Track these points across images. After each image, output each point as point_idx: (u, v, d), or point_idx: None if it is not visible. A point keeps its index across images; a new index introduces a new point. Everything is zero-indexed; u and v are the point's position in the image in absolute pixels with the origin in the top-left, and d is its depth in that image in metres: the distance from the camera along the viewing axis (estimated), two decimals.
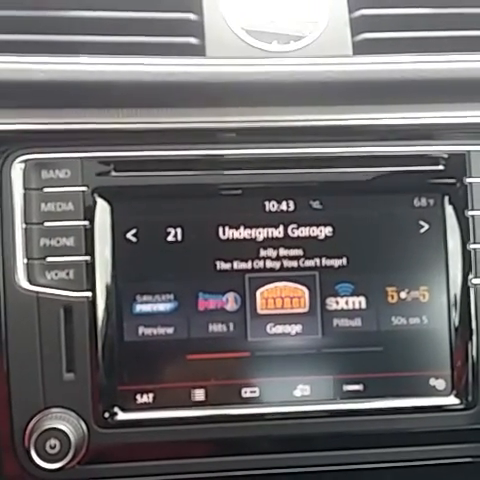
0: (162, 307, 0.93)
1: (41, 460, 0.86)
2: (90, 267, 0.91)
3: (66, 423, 0.87)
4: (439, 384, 0.95)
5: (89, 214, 0.92)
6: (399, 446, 0.94)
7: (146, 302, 0.93)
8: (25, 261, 0.91)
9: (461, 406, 0.94)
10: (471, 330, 0.94)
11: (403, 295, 0.95)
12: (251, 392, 0.93)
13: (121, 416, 0.91)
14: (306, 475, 0.93)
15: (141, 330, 0.92)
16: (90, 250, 0.91)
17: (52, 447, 0.86)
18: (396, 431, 0.94)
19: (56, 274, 0.91)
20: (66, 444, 0.86)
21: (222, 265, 0.94)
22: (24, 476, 0.89)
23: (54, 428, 0.86)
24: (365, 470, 0.94)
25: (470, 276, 0.94)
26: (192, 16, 0.96)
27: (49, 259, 0.91)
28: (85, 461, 0.89)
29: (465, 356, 0.94)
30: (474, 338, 0.94)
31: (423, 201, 0.96)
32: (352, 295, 0.95)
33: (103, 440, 0.90)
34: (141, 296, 0.93)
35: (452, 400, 0.94)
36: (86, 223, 0.92)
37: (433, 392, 0.94)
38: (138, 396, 0.92)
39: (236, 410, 0.92)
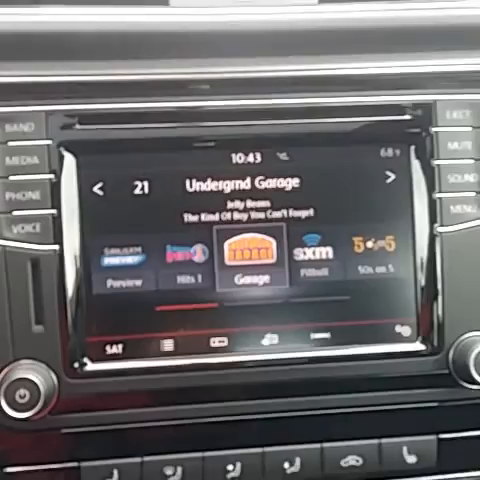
0: (130, 260, 0.93)
1: (11, 409, 0.87)
2: (57, 220, 0.91)
3: (36, 374, 0.88)
4: (405, 331, 0.96)
5: (55, 168, 0.91)
6: (367, 391, 0.96)
7: (114, 255, 0.93)
8: None
9: (426, 352, 0.96)
10: (436, 278, 0.95)
11: (369, 244, 0.96)
12: (220, 342, 0.94)
13: (90, 367, 0.92)
14: (275, 420, 0.95)
15: (109, 283, 0.93)
16: (56, 203, 0.91)
17: (22, 397, 0.87)
18: (364, 377, 0.95)
19: (22, 227, 0.91)
20: (35, 394, 0.87)
21: (190, 217, 0.94)
22: None
23: (24, 378, 0.87)
24: (334, 415, 0.96)
25: (435, 225, 0.95)
26: None
27: (15, 213, 0.91)
28: (55, 411, 0.90)
29: (430, 303, 0.95)
30: (439, 285, 0.95)
31: (389, 151, 0.96)
32: (319, 245, 0.96)
33: (73, 390, 0.91)
34: (109, 249, 0.93)
35: (417, 346, 0.96)
36: (52, 176, 0.91)
37: (399, 338, 0.96)
38: (107, 347, 0.93)
39: (204, 359, 0.93)
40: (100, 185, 0.93)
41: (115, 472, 0.92)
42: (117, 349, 0.93)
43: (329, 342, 0.95)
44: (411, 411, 0.97)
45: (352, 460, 0.96)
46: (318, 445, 0.96)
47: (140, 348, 0.93)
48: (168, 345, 0.94)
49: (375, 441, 0.96)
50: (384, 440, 0.96)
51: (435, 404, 0.97)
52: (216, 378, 0.94)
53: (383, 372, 0.96)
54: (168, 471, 0.93)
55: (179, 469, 0.94)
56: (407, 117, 0.96)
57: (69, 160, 0.92)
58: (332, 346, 0.95)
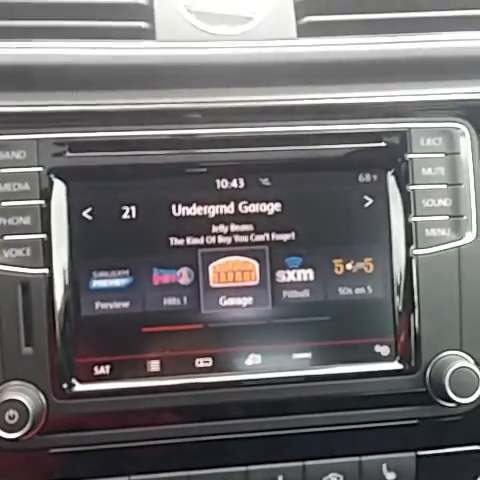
0: (118, 282, 0.96)
1: (0, 430, 0.89)
2: (47, 245, 0.94)
3: (25, 395, 0.90)
4: (384, 350, 0.99)
5: (45, 194, 0.95)
6: (348, 410, 0.99)
7: (102, 278, 0.96)
8: None
9: (404, 371, 0.99)
10: (413, 298, 0.99)
11: (349, 266, 0.99)
12: (205, 362, 0.97)
13: (79, 387, 0.94)
14: (259, 439, 0.97)
15: (98, 305, 0.96)
16: (46, 228, 0.94)
17: (11, 417, 0.89)
18: (344, 396, 0.98)
19: (13, 252, 0.94)
20: (24, 415, 0.89)
21: (175, 241, 0.97)
22: None
23: (13, 400, 0.89)
24: (315, 433, 0.98)
25: (411, 247, 0.99)
26: (142, 1, 0.99)
27: (6, 237, 0.94)
28: (44, 431, 0.92)
29: (407, 323, 0.99)
30: (416, 306, 0.99)
31: (367, 177, 1.00)
32: (300, 268, 0.99)
33: (61, 411, 0.93)
34: (97, 272, 0.96)
35: (396, 365, 0.99)
36: (42, 202, 0.94)
37: (378, 358, 0.99)
38: (95, 368, 0.95)
39: (190, 379, 0.96)
40: (89, 210, 0.96)
41: None
42: (105, 370, 0.95)
43: (310, 362, 0.98)
44: (390, 428, 1.00)
45: (333, 477, 0.98)
46: (300, 463, 0.98)
47: (127, 369, 0.96)
48: (154, 366, 0.96)
49: (355, 458, 0.99)
50: (364, 458, 0.99)
51: (413, 421, 1.00)
52: (201, 398, 0.96)
53: (362, 391, 0.99)
54: None
55: None
56: (383, 144, 1.00)
57: (59, 186, 0.95)
58: (313, 366, 0.98)
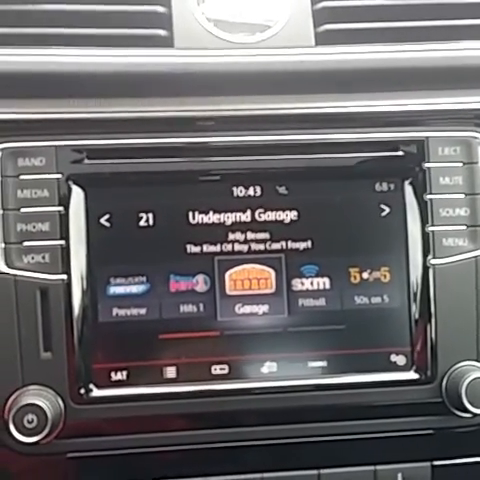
0: (135, 289, 0.97)
1: (19, 434, 0.90)
2: (65, 251, 0.95)
3: (43, 399, 0.91)
4: (400, 360, 0.99)
5: (64, 200, 0.96)
6: (363, 419, 0.98)
7: (120, 284, 0.97)
8: (2, 246, 0.94)
9: (420, 381, 0.98)
10: (430, 308, 0.98)
11: (365, 275, 0.99)
12: (221, 369, 0.97)
13: (96, 393, 0.95)
14: (274, 447, 0.98)
15: (115, 311, 0.96)
16: (65, 234, 0.95)
17: (30, 422, 0.90)
18: (359, 405, 0.98)
19: (32, 258, 0.95)
20: (43, 419, 0.90)
21: (192, 248, 0.98)
22: (3, 449, 0.93)
23: (32, 404, 0.90)
24: (330, 442, 0.98)
25: (429, 257, 0.99)
26: (160, 8, 0.99)
27: (26, 243, 0.95)
28: (62, 435, 0.93)
29: (424, 333, 0.98)
30: (432, 316, 0.98)
31: (384, 186, 1.00)
32: (317, 276, 0.99)
33: (79, 415, 0.94)
34: (115, 279, 0.97)
35: (412, 375, 0.99)
36: (61, 209, 0.95)
37: (394, 367, 0.99)
38: (112, 374, 0.96)
39: (206, 386, 0.96)
40: (107, 217, 0.97)
41: None
42: (121, 376, 0.96)
43: (326, 370, 0.98)
44: (405, 438, 0.99)
45: None
46: (315, 471, 0.98)
47: (143, 375, 0.96)
48: (171, 372, 0.97)
49: (371, 468, 0.99)
50: (379, 467, 0.99)
51: (429, 431, 0.99)
52: (217, 405, 0.97)
53: (378, 400, 0.98)
54: None
55: None
56: (400, 153, 1.00)
57: (77, 193, 0.96)
58: (329, 374, 0.98)
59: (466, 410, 0.95)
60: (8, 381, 0.93)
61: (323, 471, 0.98)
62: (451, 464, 1.00)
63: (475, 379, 0.94)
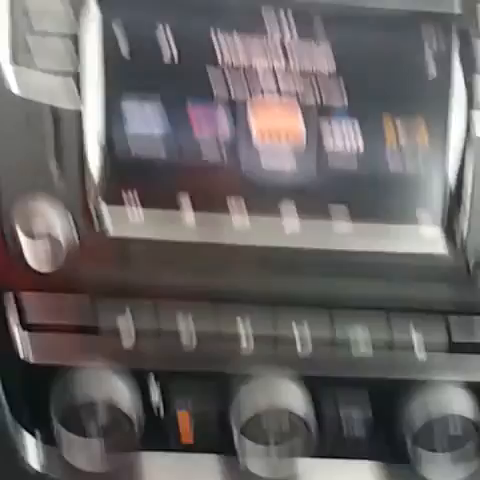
0: (151, 117, 0.92)
1: (35, 262, 0.90)
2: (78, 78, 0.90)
3: (58, 231, 0.90)
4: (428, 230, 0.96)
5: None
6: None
7: (135, 118, 0.92)
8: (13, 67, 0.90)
9: (448, 251, 0.96)
10: (466, 182, 0.94)
11: (402, 139, 0.94)
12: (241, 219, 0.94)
13: (111, 229, 0.93)
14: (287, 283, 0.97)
15: (130, 143, 0.92)
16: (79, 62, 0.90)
17: (45, 251, 0.89)
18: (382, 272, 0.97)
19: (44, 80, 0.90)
20: (58, 247, 0.89)
21: (218, 91, 0.92)
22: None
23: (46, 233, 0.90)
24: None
25: (471, 131, 0.93)
26: None
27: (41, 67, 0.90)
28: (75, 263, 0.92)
29: (457, 206, 0.95)
30: (468, 189, 0.94)
31: (434, 47, 0.92)
32: (350, 134, 0.93)
33: (95, 246, 0.93)
34: (130, 112, 0.92)
35: (440, 246, 0.96)
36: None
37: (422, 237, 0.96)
38: (127, 211, 0.93)
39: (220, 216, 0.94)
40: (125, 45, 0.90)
41: (127, 310, 0.97)
42: (133, 197, 0.93)
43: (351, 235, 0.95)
44: (423, 309, 0.99)
45: (359, 328, 0.99)
46: (327, 310, 0.99)
47: (156, 199, 0.93)
48: (185, 200, 0.94)
49: (383, 312, 0.99)
50: (392, 313, 0.99)
51: (450, 302, 0.98)
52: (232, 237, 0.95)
53: (403, 263, 0.96)
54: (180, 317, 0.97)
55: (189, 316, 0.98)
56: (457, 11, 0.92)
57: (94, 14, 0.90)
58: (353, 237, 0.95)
59: None
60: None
61: (335, 311, 0.99)
62: (463, 318, 1.00)
63: None
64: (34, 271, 0.92)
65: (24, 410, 1.03)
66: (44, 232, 0.89)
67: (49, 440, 1.03)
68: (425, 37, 0.92)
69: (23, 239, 0.90)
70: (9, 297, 0.98)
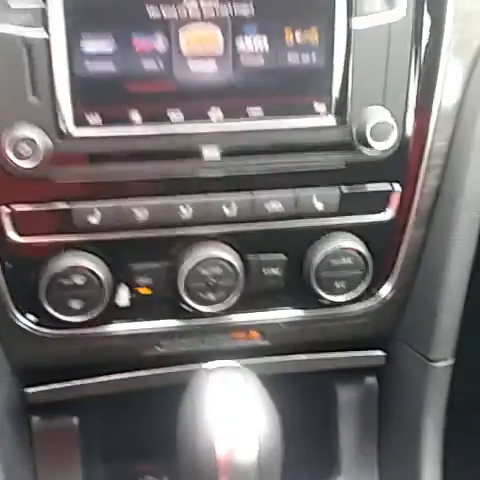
0: (104, 48, 1.14)
1: (17, 159, 1.12)
2: (45, 11, 1.10)
3: (34, 134, 1.12)
4: (321, 107, 1.22)
5: None
6: (289, 152, 1.24)
7: (91, 43, 1.13)
8: None
9: (336, 124, 1.23)
10: (348, 66, 1.20)
11: (297, 37, 1.18)
12: (176, 115, 1.19)
13: (76, 132, 1.16)
14: (220, 179, 1.23)
15: (88, 66, 1.14)
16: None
17: (26, 151, 1.12)
18: (289, 143, 1.23)
19: (18, 17, 1.10)
20: (36, 148, 1.12)
21: (152, 12, 1.14)
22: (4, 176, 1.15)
23: (25, 137, 1.12)
24: (261, 175, 1.24)
25: (351, 20, 1.18)
26: None
27: (13, 6, 1.10)
28: (52, 162, 1.15)
29: (342, 87, 1.21)
30: (350, 73, 1.20)
31: None
32: (256, 36, 1.17)
33: (64, 148, 1.16)
34: (87, 39, 1.13)
35: (330, 120, 1.23)
36: None
37: (317, 114, 1.22)
38: (88, 117, 1.16)
39: (164, 127, 1.19)
40: None
41: (97, 211, 1.21)
42: (96, 119, 1.17)
43: (262, 116, 1.21)
44: (320, 172, 1.26)
45: (274, 203, 1.25)
46: (249, 193, 1.25)
47: (114, 119, 1.17)
48: (136, 117, 1.18)
49: (292, 190, 1.26)
50: (298, 189, 1.26)
51: (341, 166, 1.26)
52: (172, 142, 1.20)
53: (302, 138, 1.23)
54: (137, 211, 1.22)
55: (145, 210, 1.23)
56: None
57: None
58: (265, 118, 1.21)
59: (369, 146, 1.21)
60: (2, 118, 1.13)
61: (255, 192, 1.25)
62: (354, 190, 1.29)
63: (378, 122, 1.20)
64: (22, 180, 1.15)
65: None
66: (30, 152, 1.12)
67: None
68: None
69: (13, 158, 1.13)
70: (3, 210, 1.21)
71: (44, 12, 1.11)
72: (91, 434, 1.61)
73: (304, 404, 1.64)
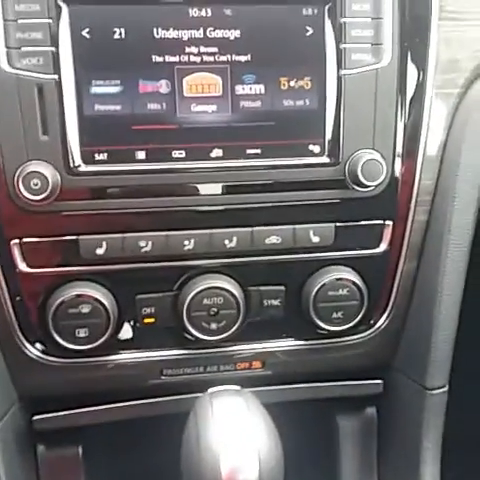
0: (112, 90, 1.23)
1: (27, 192, 1.19)
2: (56, 56, 1.20)
3: (44, 169, 1.20)
4: (316, 149, 1.30)
5: (53, 14, 1.19)
6: (287, 191, 1.30)
7: (99, 85, 1.23)
8: (5, 50, 1.18)
9: (330, 163, 1.30)
10: (340, 109, 1.28)
11: (292, 83, 1.27)
12: (179, 154, 1.27)
13: (84, 168, 1.24)
14: (220, 212, 1.30)
15: (96, 107, 1.23)
16: (55, 43, 1.19)
17: (35, 184, 1.19)
18: (285, 181, 1.30)
19: (29, 60, 1.19)
20: (45, 183, 1.19)
21: (157, 58, 1.23)
22: (16, 211, 1.23)
23: (36, 171, 1.19)
24: (261, 208, 1.30)
25: (341, 69, 1.27)
26: None
27: (23, 49, 1.19)
28: (60, 198, 1.23)
29: (335, 129, 1.29)
30: (342, 115, 1.28)
31: (309, 10, 1.25)
32: (254, 83, 1.27)
33: (71, 184, 1.24)
34: (95, 80, 1.22)
35: (324, 159, 1.30)
36: (50, 21, 1.18)
37: (311, 154, 1.30)
38: (96, 154, 1.25)
39: (168, 166, 1.27)
40: (87, 30, 1.21)
41: (104, 243, 1.28)
42: (103, 156, 1.25)
43: (260, 156, 1.29)
44: (316, 206, 1.32)
45: (274, 239, 1.32)
46: (249, 228, 1.31)
47: (120, 156, 1.25)
48: (141, 155, 1.26)
49: (291, 226, 1.32)
50: (297, 226, 1.32)
51: (335, 201, 1.32)
52: (177, 179, 1.28)
53: (299, 177, 1.30)
54: (142, 243, 1.29)
55: (149, 243, 1.29)
56: None
57: (64, 8, 1.19)
58: (262, 158, 1.29)
59: (361, 184, 1.28)
60: (16, 156, 1.21)
61: (255, 228, 1.31)
62: (349, 225, 1.34)
63: (368, 160, 1.27)
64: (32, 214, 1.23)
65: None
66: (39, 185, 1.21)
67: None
68: (303, 7, 1.26)
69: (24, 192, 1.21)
70: (14, 243, 1.26)
71: (55, 55, 1.20)
72: (95, 462, 1.65)
73: (304, 432, 1.67)
